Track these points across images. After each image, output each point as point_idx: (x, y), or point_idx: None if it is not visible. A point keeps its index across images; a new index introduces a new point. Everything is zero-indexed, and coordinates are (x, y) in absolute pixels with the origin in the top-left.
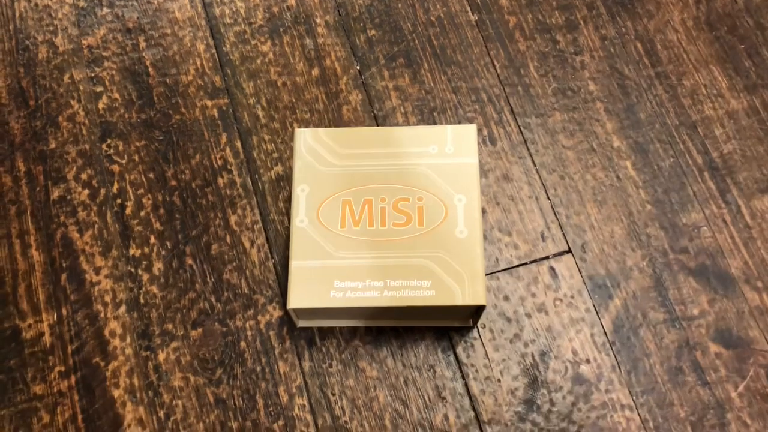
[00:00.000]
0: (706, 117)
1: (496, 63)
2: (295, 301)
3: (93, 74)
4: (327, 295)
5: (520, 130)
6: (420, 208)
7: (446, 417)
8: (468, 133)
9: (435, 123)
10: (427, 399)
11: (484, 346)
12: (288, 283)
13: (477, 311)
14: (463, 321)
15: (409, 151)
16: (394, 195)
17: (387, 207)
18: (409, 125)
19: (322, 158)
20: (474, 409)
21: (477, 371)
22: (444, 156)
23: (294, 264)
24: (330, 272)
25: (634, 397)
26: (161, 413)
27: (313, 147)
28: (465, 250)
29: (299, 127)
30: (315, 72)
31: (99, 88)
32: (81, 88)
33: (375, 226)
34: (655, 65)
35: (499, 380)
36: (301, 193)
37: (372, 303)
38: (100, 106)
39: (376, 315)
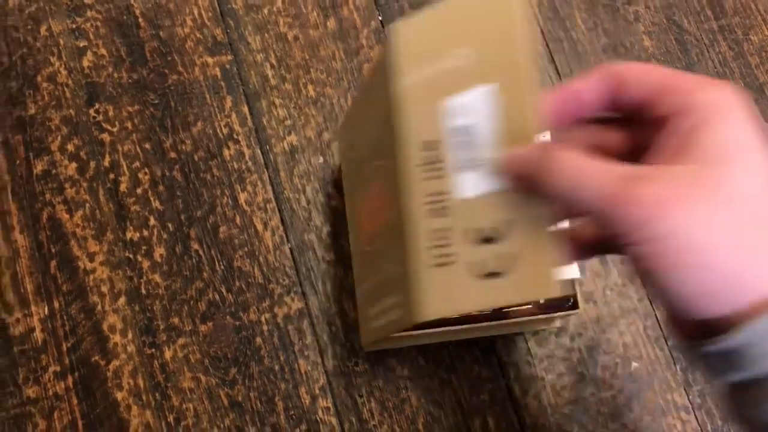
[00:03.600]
0: None
1: (538, 14)
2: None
3: (74, 26)
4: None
5: None
6: None
7: (485, 421)
8: None
9: None
10: (464, 401)
11: (525, 341)
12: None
13: None
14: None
15: None
16: None
17: None
18: None
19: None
20: (516, 412)
21: (519, 369)
22: None
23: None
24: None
25: (690, 398)
26: (170, 418)
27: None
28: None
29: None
30: (331, 24)
31: (82, 43)
32: (61, 42)
33: None
34: (718, 17)
35: (543, 379)
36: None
37: None
38: (85, 63)
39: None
